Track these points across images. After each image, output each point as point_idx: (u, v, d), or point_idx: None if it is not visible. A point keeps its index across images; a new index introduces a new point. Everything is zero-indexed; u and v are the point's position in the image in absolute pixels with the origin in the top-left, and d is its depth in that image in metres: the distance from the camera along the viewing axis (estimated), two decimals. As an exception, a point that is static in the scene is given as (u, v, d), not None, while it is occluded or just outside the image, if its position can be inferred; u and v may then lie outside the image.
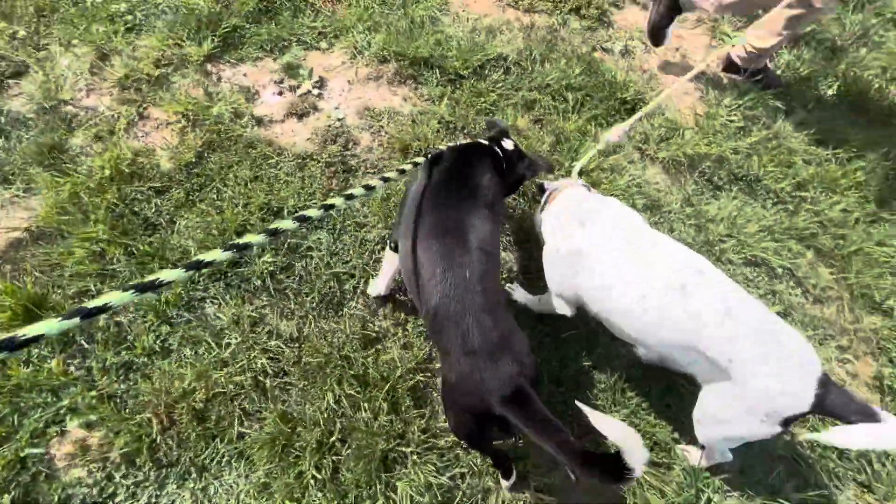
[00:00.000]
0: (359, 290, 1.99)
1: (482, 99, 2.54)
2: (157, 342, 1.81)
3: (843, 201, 2.51)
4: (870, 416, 1.25)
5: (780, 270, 2.29)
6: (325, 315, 1.93)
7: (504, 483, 1.67)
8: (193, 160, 2.19)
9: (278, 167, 2.24)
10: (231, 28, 2.58)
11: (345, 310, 1.95)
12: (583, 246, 1.56)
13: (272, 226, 1.00)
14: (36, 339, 0.66)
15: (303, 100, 2.46)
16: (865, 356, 2.16)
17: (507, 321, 1.38)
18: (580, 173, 2.03)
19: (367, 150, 2.38)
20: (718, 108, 2.73)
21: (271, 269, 1.97)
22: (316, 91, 2.51)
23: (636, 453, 1.01)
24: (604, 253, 1.52)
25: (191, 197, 2.12)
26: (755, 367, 1.31)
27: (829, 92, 2.97)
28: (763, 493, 1.77)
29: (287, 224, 1.03)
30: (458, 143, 1.81)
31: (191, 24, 2.53)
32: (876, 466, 1.85)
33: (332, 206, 1.14)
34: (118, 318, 1.84)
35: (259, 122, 2.38)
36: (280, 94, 2.49)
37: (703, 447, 1.69)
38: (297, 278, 1.99)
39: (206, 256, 0.88)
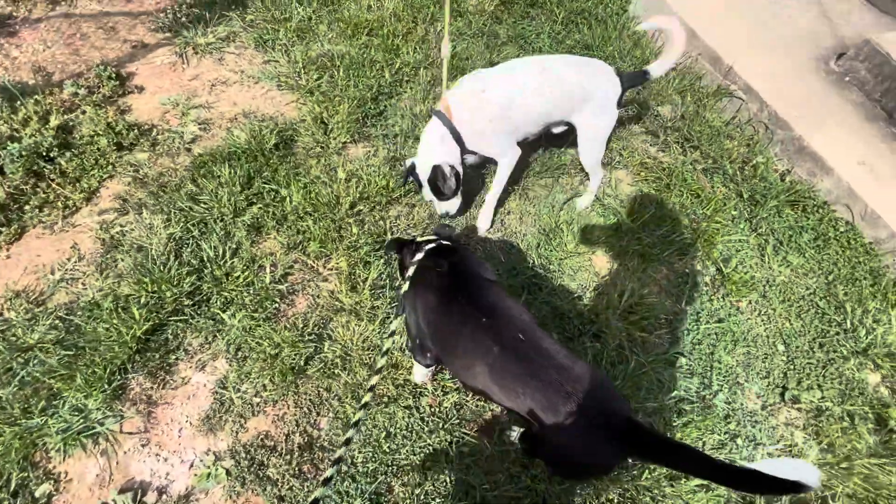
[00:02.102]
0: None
1: (231, 284, 2.15)
2: None
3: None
4: (643, 74, 2.26)
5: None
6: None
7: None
8: None
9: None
10: None
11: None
12: (499, 100, 2.12)
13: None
14: None
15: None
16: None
17: (582, 364, 1.36)
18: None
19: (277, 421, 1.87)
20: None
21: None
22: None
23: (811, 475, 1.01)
24: (512, 92, 2.12)
25: None
26: (600, 88, 2.17)
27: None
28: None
29: None
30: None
31: None
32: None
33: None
34: None
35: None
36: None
37: (588, 194, 2.62)
38: None
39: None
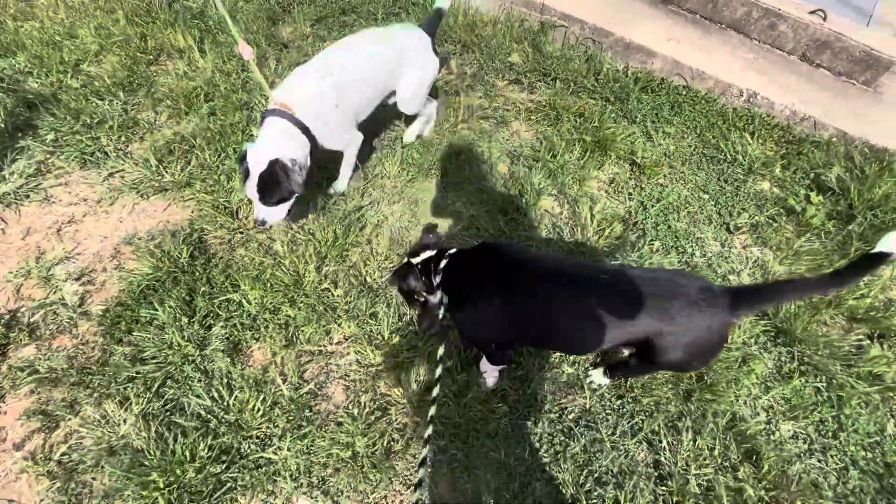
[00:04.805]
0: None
1: (253, 419, 1.81)
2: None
3: None
4: (438, 13, 2.46)
5: None
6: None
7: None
8: None
9: None
10: None
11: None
12: (340, 80, 2.07)
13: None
14: None
15: None
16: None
17: (655, 269, 1.63)
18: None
19: None
20: None
21: None
22: None
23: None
24: (349, 74, 2.11)
25: None
26: (414, 46, 2.32)
27: None
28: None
29: None
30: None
31: None
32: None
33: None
34: None
35: None
36: None
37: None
38: None
39: None
